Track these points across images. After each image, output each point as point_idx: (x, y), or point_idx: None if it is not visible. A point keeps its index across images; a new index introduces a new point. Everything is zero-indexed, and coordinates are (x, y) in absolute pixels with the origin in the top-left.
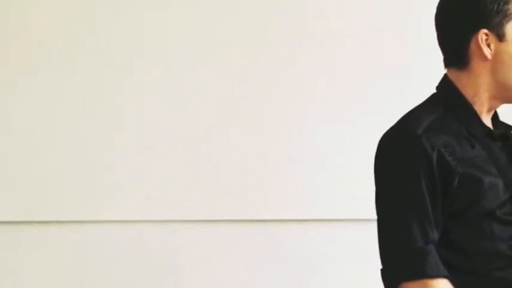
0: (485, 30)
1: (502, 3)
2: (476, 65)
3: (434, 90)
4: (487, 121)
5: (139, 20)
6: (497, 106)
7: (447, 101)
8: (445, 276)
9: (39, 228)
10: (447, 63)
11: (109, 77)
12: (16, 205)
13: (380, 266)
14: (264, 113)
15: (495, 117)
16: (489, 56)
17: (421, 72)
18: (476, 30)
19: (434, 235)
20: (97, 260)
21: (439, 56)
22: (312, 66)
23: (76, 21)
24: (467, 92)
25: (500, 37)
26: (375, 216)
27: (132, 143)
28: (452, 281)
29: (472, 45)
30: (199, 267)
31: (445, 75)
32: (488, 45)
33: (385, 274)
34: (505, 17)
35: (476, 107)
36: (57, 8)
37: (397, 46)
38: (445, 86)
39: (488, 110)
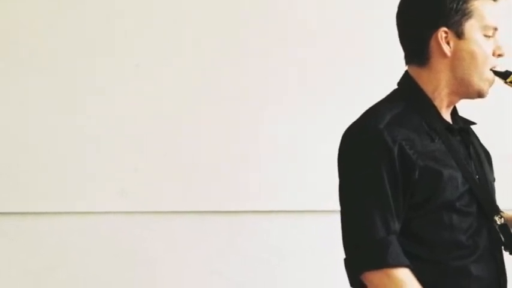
0: (445, 28)
1: (461, 2)
2: (436, 62)
3: (396, 86)
4: (447, 116)
5: (110, 17)
6: (457, 101)
7: (408, 97)
8: (406, 266)
9: (15, 219)
10: (408, 60)
11: (81, 73)
12: None
13: (344, 256)
14: (232, 108)
15: (454, 112)
16: (448, 53)
17: (383, 69)
18: (435, 28)
19: (396, 226)
20: (72, 251)
21: (401, 53)
22: (279, 61)
23: (46, 19)
24: (428, 88)
25: (459, 35)
26: (339, 208)
27: (106, 136)
28: (413, 270)
29: (432, 43)
30: (171, 257)
31: (406, 71)
32: (448, 43)
33: (348, 263)
34: (463, 15)
35: (436, 103)
36: (27, 7)
37: (360, 44)
38: (406, 82)
39: (448, 105)
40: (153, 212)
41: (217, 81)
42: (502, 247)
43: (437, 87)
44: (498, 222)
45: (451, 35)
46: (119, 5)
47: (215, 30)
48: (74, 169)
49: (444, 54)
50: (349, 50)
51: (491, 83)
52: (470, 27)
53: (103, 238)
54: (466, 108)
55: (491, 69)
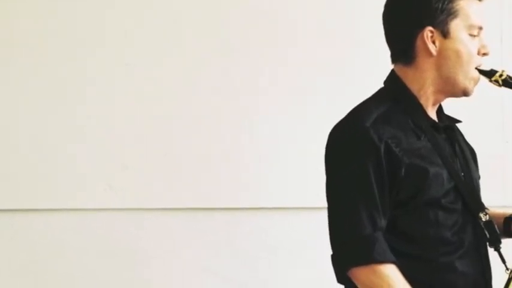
0: (431, 28)
1: (446, 2)
2: (422, 60)
3: (382, 85)
4: (432, 114)
5: (100, 16)
6: (442, 100)
7: (394, 95)
8: (392, 262)
9: (5, 216)
10: (394, 59)
11: (70, 72)
12: None
13: (331, 252)
14: (220, 105)
15: (440, 110)
16: (434, 52)
17: (370, 67)
18: (421, 28)
19: (382, 222)
20: (63, 247)
21: (387, 52)
22: (264, 59)
23: (37, 18)
24: (413, 87)
25: (445, 34)
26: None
27: (96, 134)
28: (399, 267)
29: (418, 42)
30: (163, 254)
31: (392, 70)
32: (434, 42)
33: (335, 259)
34: (449, 15)
35: (422, 101)
36: (18, 6)
37: (347, 42)
38: (392, 80)
39: (434, 104)
40: (145, 209)
41: (209, 79)
42: (487, 243)
43: (423, 85)
44: (483, 219)
45: (436, 34)
46: (110, 4)
47: (205, 30)
48: (64, 167)
49: (430, 53)
50: (337, 50)
51: (476, 82)
52: (456, 26)
53: (95, 235)
54: (451, 106)
55: (476, 68)
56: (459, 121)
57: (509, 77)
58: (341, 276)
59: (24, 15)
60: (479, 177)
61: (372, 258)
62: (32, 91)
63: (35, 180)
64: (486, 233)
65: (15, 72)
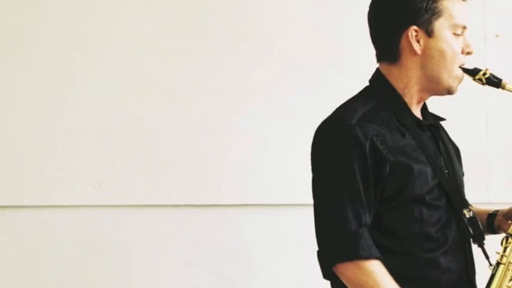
0: (415, 27)
1: (430, 2)
2: (407, 59)
3: (368, 83)
4: (417, 112)
5: (89, 14)
6: (427, 98)
7: (379, 93)
8: (377, 258)
9: None
10: (379, 57)
11: (60, 70)
12: None
13: (316, 248)
14: (205, 103)
15: (424, 108)
16: (419, 51)
17: (355, 66)
18: (406, 27)
19: (367, 219)
20: (50, 244)
21: (372, 51)
22: (251, 56)
23: (26, 16)
24: (398, 85)
25: (429, 33)
26: (312, 202)
27: (84, 131)
28: (384, 262)
29: (403, 41)
30: (147, 250)
31: (378, 69)
32: (418, 41)
33: (321, 256)
34: (433, 14)
35: (407, 99)
36: (6, 3)
37: (333, 41)
38: (378, 79)
39: (418, 102)
40: (133, 206)
41: (195, 76)
42: (471, 240)
43: (408, 84)
44: (467, 216)
45: (421, 34)
46: (100, 2)
47: (191, 29)
48: (53, 164)
49: (414, 52)
50: (325, 48)
51: (460, 80)
52: (440, 25)
53: (81, 231)
54: (436, 104)
55: (460, 67)
56: (443, 119)
57: (493, 75)
58: (327, 272)
59: (10, 13)
60: (463, 175)
61: (357, 254)
62: (22, 89)
63: (25, 177)
64: (470, 229)
65: (4, 69)
